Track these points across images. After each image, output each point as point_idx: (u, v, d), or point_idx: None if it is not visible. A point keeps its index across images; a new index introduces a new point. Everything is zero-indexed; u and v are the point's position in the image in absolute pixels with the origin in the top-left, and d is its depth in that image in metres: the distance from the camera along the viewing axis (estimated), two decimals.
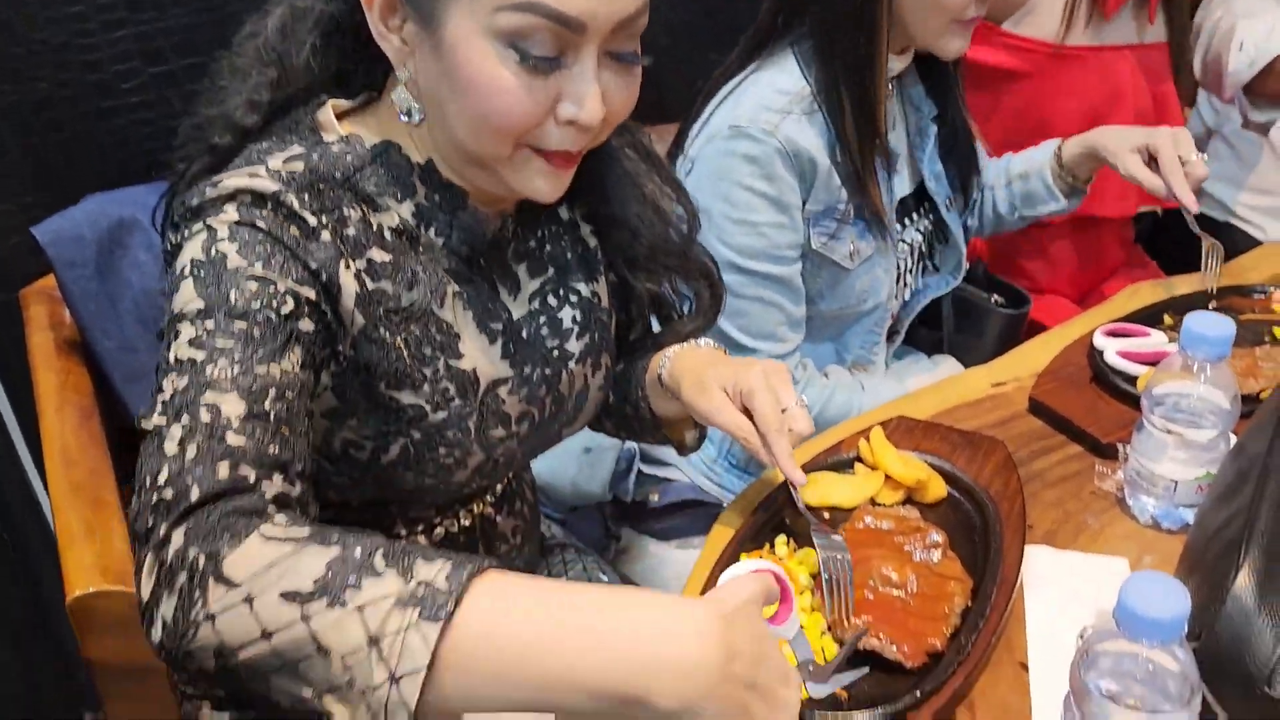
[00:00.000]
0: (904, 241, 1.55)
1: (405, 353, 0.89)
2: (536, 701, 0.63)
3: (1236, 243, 1.85)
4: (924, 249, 1.62)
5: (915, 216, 1.58)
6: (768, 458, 1.00)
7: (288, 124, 0.92)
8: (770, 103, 1.36)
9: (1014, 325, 1.66)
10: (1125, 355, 1.23)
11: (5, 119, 1.55)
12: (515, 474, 1.17)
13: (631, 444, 1.55)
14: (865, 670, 0.86)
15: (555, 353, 1.04)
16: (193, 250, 0.80)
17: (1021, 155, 1.67)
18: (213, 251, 0.79)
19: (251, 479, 0.72)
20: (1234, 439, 0.98)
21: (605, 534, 1.58)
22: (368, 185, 0.90)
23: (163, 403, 0.74)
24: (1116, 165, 1.47)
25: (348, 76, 0.96)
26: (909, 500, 1.06)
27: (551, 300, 1.04)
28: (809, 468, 1.09)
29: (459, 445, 0.94)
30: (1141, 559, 1.01)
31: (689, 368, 1.07)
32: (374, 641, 0.62)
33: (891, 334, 1.64)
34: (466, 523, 1.07)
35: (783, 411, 0.99)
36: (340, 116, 0.93)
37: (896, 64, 1.42)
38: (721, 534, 1.06)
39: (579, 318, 1.06)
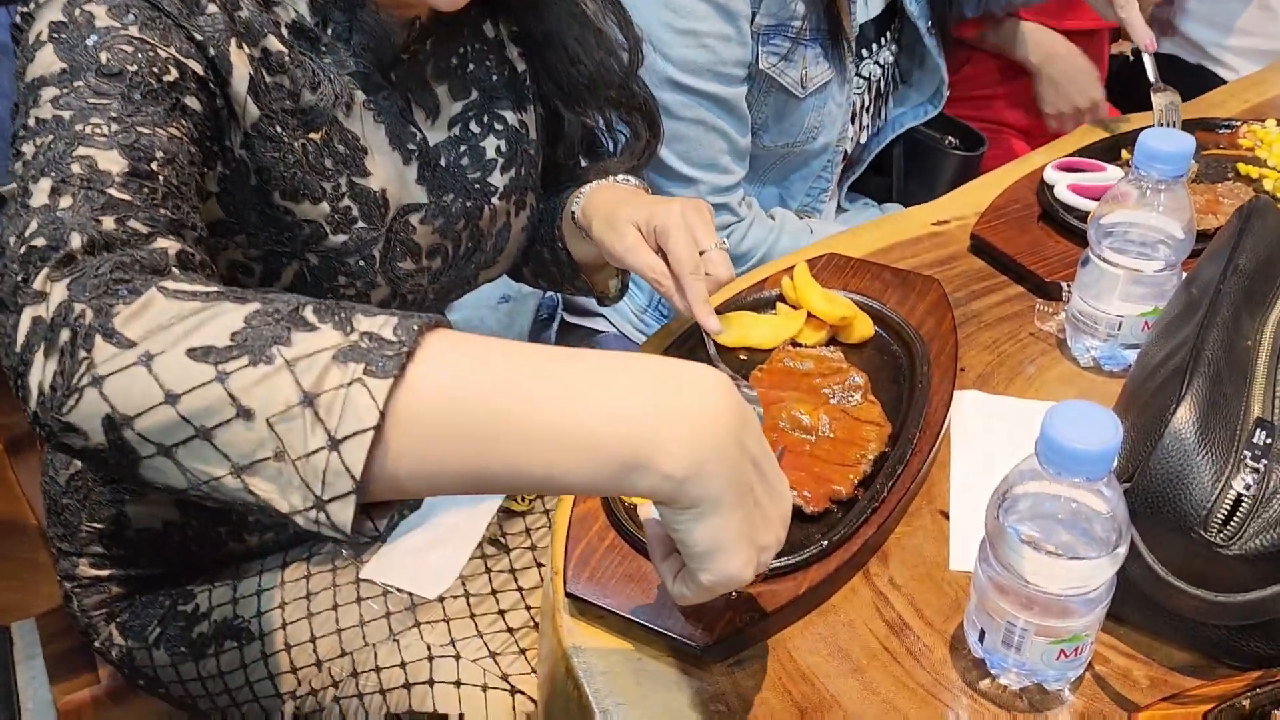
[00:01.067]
0: (861, 76, 1.43)
1: (305, 160, 0.79)
2: (510, 470, 0.51)
3: (1208, 89, 1.73)
4: (885, 84, 1.49)
5: (877, 46, 1.45)
6: (681, 303, 0.90)
7: None
8: None
9: (968, 169, 1.56)
10: (1077, 190, 1.13)
11: None
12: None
13: (553, 293, 1.45)
14: None
15: (477, 185, 0.94)
16: (50, 13, 0.68)
17: None
18: (76, 12, 0.68)
19: (144, 233, 0.59)
20: (1184, 274, 0.89)
21: None
22: None
23: (23, 163, 0.62)
24: None
25: None
26: (834, 341, 0.97)
27: (474, 127, 0.94)
28: (728, 306, 0.99)
29: (361, 275, 0.85)
30: None
31: (602, 204, 0.97)
32: (309, 400, 0.50)
33: (844, 177, 1.53)
34: None
35: (700, 254, 0.89)
36: None
37: None
38: None
39: (504, 149, 0.96)
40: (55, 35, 0.67)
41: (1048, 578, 0.62)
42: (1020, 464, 0.64)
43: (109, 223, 0.59)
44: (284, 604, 1.04)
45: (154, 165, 0.64)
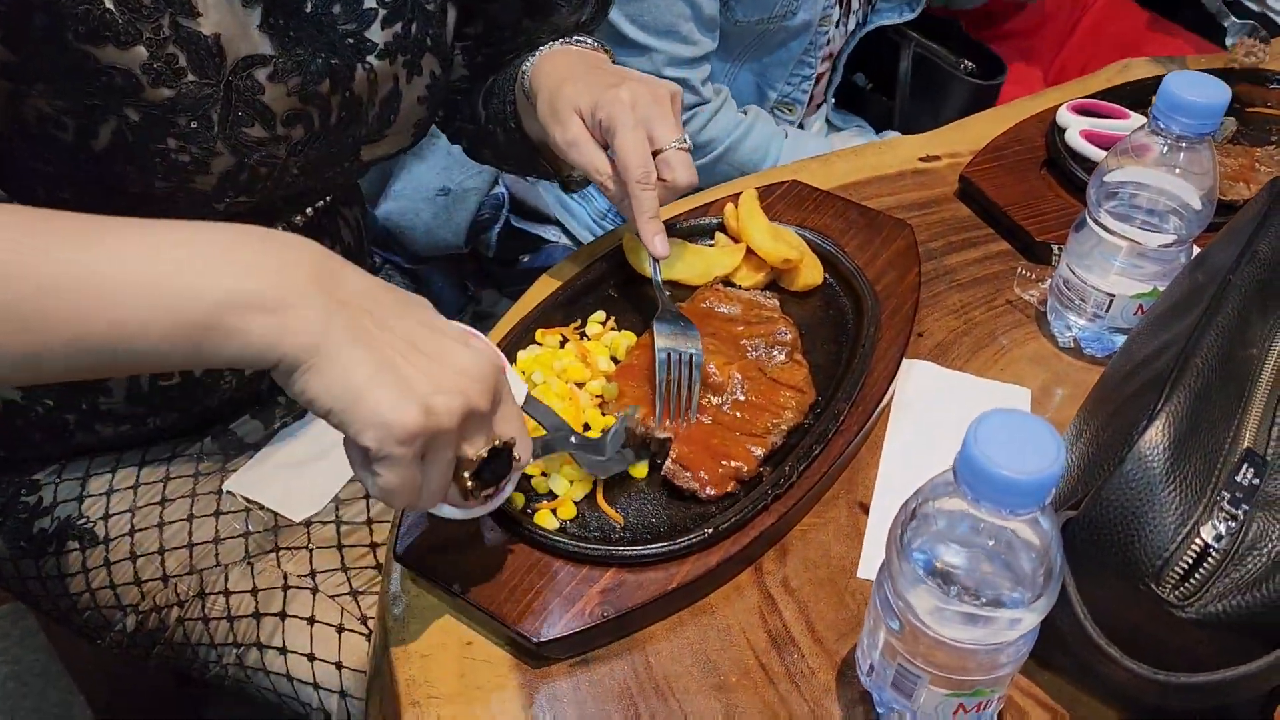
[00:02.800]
0: None
1: None
2: (68, 338, 0.48)
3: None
4: None
5: None
6: (626, 214, 0.76)
7: None
8: None
9: (983, 100, 1.39)
10: (1091, 138, 0.97)
11: None
12: (326, 208, 0.93)
13: (501, 190, 1.31)
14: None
15: (350, 40, 0.79)
16: None
17: None
18: None
19: None
20: (1196, 252, 0.75)
21: (462, 293, 1.36)
22: None
23: None
24: None
25: None
26: (775, 286, 0.83)
27: None
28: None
29: (195, 139, 0.71)
30: (1049, 391, 0.79)
31: (549, 76, 0.82)
32: None
33: (826, 78, 1.36)
34: None
35: (656, 154, 0.75)
36: None
37: None
38: (543, 288, 0.84)
39: None
40: None
41: (951, 624, 0.49)
42: (940, 475, 0.51)
43: None
44: (135, 508, 0.93)
45: None
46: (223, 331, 0.49)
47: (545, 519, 0.65)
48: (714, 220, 0.87)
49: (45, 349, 0.49)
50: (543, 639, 0.58)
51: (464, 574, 0.61)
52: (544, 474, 0.67)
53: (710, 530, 0.63)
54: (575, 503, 0.66)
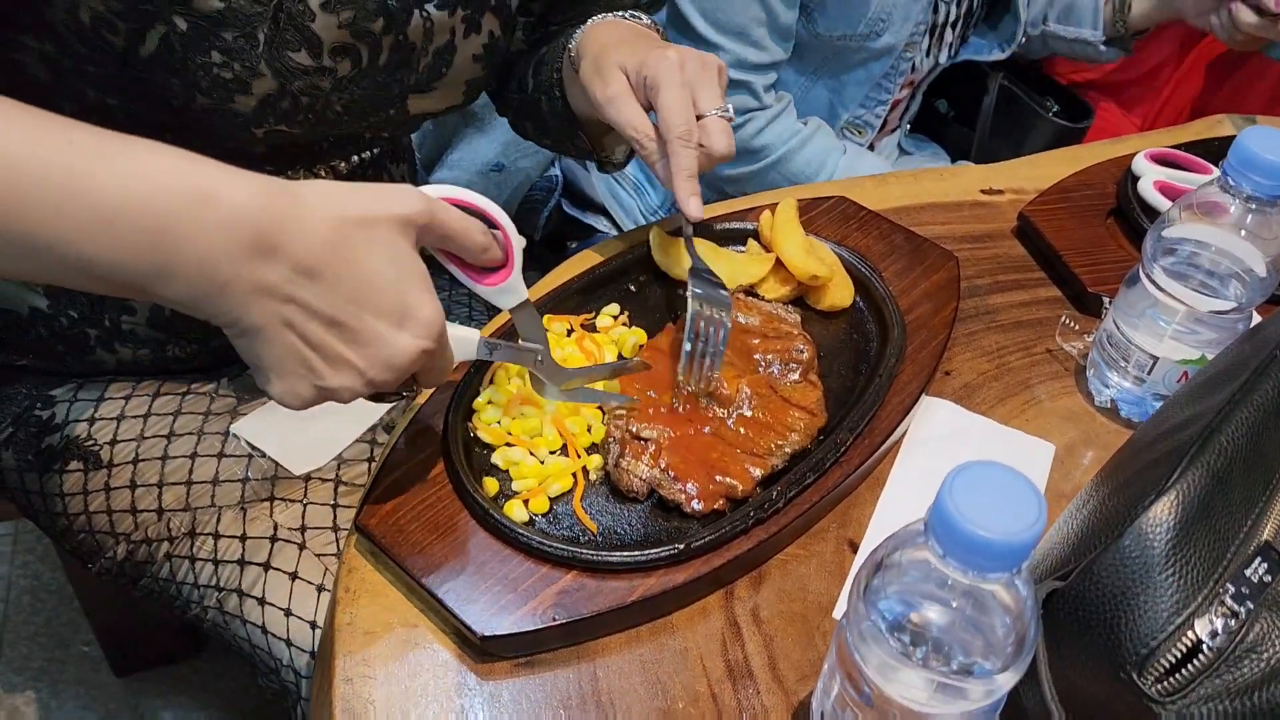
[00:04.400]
0: None
1: None
2: (19, 241, 0.47)
3: None
4: (976, 3, 1.26)
5: None
6: (663, 175, 0.74)
7: None
8: None
9: (1067, 142, 1.32)
10: (1164, 189, 0.91)
11: None
12: (374, 160, 0.92)
13: (555, 173, 1.29)
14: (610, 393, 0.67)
15: None
16: None
17: None
18: None
19: None
20: (1256, 320, 0.69)
21: None
22: None
23: None
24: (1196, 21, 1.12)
25: None
26: (801, 301, 0.80)
27: None
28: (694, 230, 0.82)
29: (239, 55, 0.71)
30: (1076, 451, 0.74)
31: (596, 42, 0.80)
32: None
33: (903, 104, 1.31)
34: None
35: (697, 119, 0.72)
36: None
37: None
38: (570, 269, 0.82)
39: None
40: None
41: (908, 684, 0.46)
42: (914, 523, 0.47)
43: None
44: (142, 437, 0.93)
45: None
46: (151, 296, 0.50)
47: (514, 510, 0.62)
48: (749, 226, 0.84)
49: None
50: (488, 634, 0.56)
51: (421, 554, 0.59)
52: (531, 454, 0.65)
53: (681, 546, 0.60)
54: (550, 499, 0.64)
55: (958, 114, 1.40)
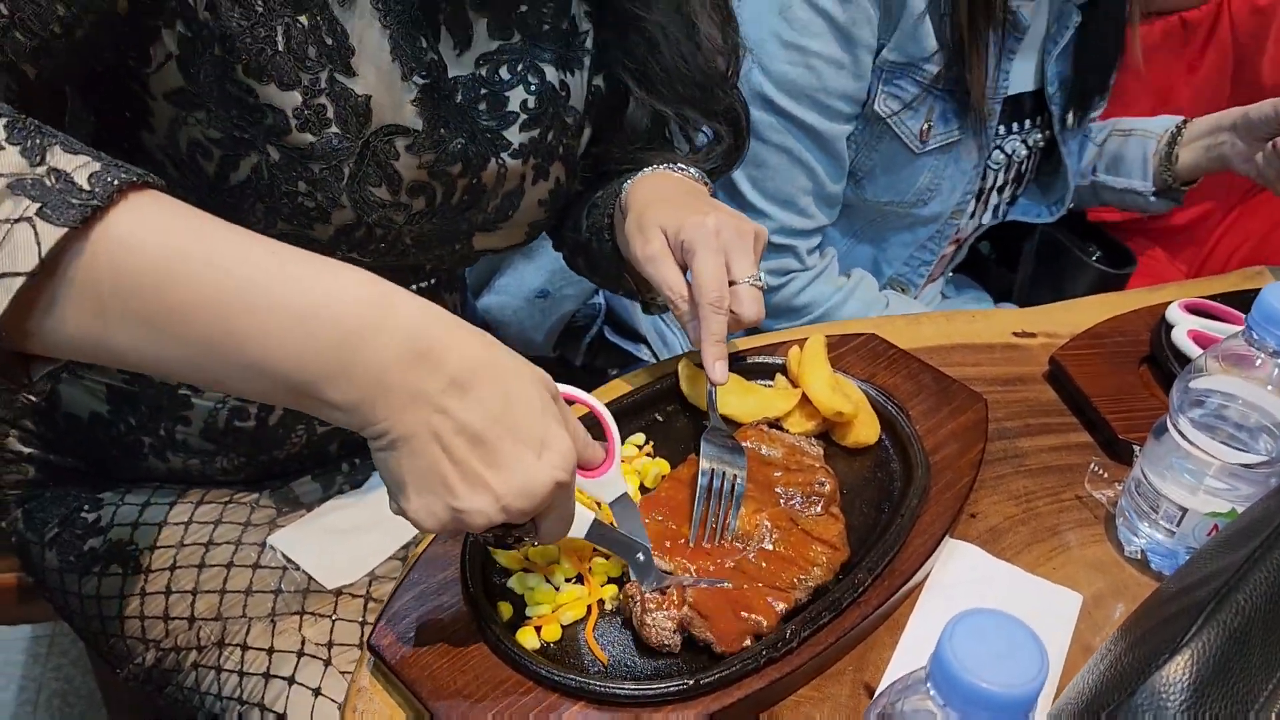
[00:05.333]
0: (1002, 150, 1.23)
1: (281, 40, 0.71)
2: (177, 363, 0.50)
3: None
4: (1026, 168, 1.29)
5: (1028, 124, 1.25)
6: (693, 335, 0.77)
7: None
8: None
9: (1109, 288, 1.33)
10: (1198, 339, 0.91)
11: None
12: (432, 289, 0.96)
13: (599, 301, 1.32)
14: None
15: (488, 134, 0.83)
16: None
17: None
18: None
19: None
20: None
21: None
22: None
23: None
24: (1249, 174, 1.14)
25: None
26: (826, 437, 0.80)
27: (504, 73, 0.83)
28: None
29: (324, 187, 0.76)
30: (1104, 603, 0.73)
31: (644, 195, 0.85)
32: None
33: (948, 259, 1.34)
34: None
35: (730, 284, 0.75)
36: None
37: None
38: (604, 394, 0.84)
39: (532, 105, 0.85)
40: None
41: None
42: (916, 671, 0.47)
43: None
44: (181, 544, 0.95)
45: None
46: (308, 396, 0.51)
47: (527, 637, 0.63)
48: (778, 360, 0.85)
49: (132, 352, 0.50)
50: None
51: (431, 677, 0.60)
52: (547, 580, 0.66)
53: (691, 682, 0.60)
54: (564, 626, 0.64)
55: (1000, 256, 1.42)
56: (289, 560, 0.94)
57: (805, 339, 0.86)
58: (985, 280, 1.44)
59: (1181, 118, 1.28)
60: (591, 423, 0.67)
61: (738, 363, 0.84)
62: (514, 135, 0.84)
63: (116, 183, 0.47)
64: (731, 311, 0.75)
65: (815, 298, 1.16)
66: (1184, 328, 0.93)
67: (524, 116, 0.85)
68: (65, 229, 0.45)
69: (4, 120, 0.48)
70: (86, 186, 0.47)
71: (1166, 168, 1.28)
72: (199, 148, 0.74)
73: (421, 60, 0.77)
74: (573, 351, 1.31)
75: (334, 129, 0.74)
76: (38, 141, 0.47)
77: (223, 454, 0.96)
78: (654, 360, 1.32)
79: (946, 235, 1.24)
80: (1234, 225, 1.56)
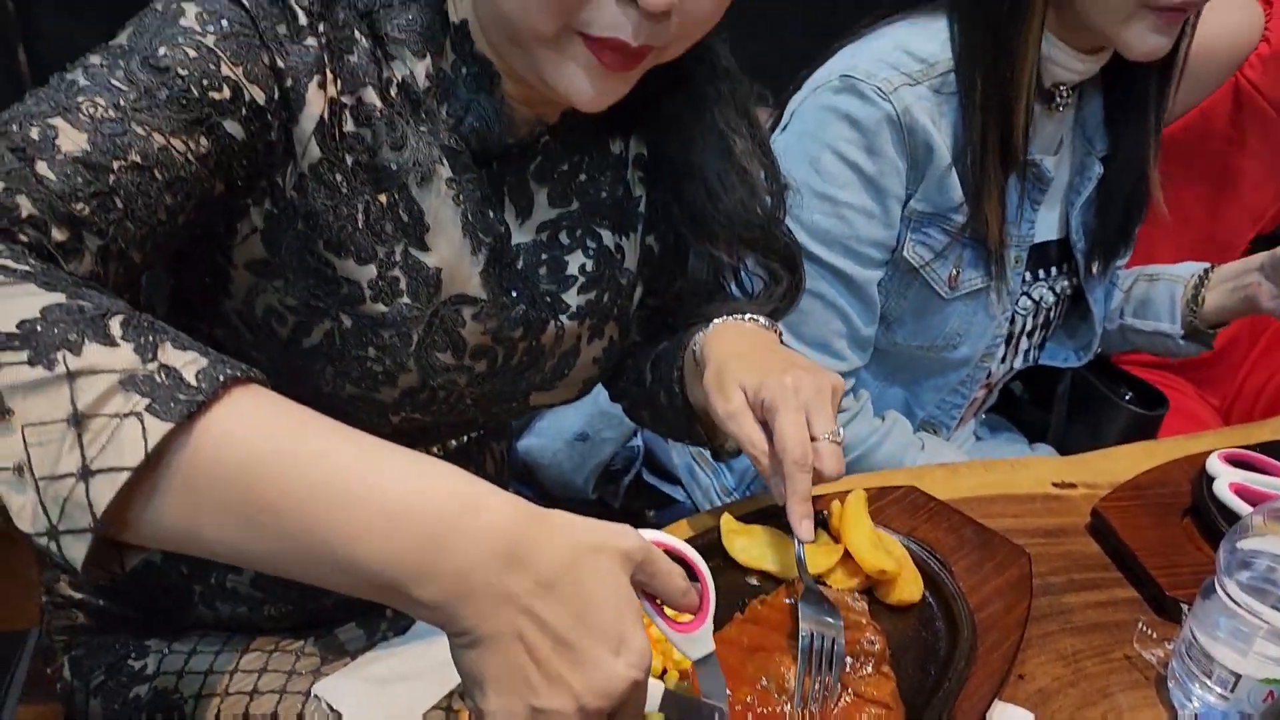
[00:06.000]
0: (1030, 296, 1.26)
1: (362, 218, 0.75)
2: (267, 557, 0.50)
3: None
4: (1053, 314, 1.31)
5: (1056, 272, 1.28)
6: (777, 490, 0.79)
7: None
8: (896, 62, 1.11)
9: (1143, 428, 1.34)
10: (1240, 492, 0.91)
11: None
12: (480, 439, 0.99)
13: (637, 443, 1.35)
14: None
15: (548, 298, 0.87)
16: (158, 2, 0.68)
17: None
18: (173, 6, 0.67)
19: (20, 213, 0.56)
20: None
21: None
22: (389, 27, 0.76)
23: (15, 105, 0.61)
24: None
25: None
26: (869, 592, 0.81)
27: (564, 238, 0.88)
28: (759, 516, 0.85)
29: (392, 353, 0.79)
30: None
31: (720, 350, 0.87)
32: (78, 420, 0.47)
33: (980, 401, 1.35)
34: None
35: (811, 440, 0.78)
36: None
37: (1076, 64, 1.13)
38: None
39: (589, 269, 0.89)
40: (141, 19, 0.67)
41: None
42: None
43: None
44: (226, 694, 0.96)
45: (116, 164, 0.61)
46: (395, 593, 0.51)
47: None
48: (821, 513, 0.86)
49: (229, 547, 0.50)
50: None
51: None
52: None
53: None
54: None
55: (1033, 396, 1.43)
56: (332, 709, 0.94)
57: (846, 492, 0.87)
58: (1019, 420, 1.45)
59: (1208, 264, 1.31)
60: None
61: (777, 516, 0.85)
62: (572, 298, 0.88)
63: (222, 378, 0.49)
64: (813, 468, 0.77)
65: (851, 440, 1.18)
66: (1225, 480, 0.93)
67: (582, 279, 0.88)
68: (171, 424, 0.47)
69: (120, 318, 0.50)
70: (193, 382, 0.48)
71: (1193, 311, 1.30)
72: (274, 314, 0.78)
73: (491, 232, 0.81)
74: (611, 494, 1.33)
75: (405, 299, 0.78)
76: (150, 339, 0.49)
77: (271, 602, 0.97)
78: (689, 502, 1.33)
79: (977, 379, 1.26)
80: (1261, 359, 1.56)
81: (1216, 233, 1.50)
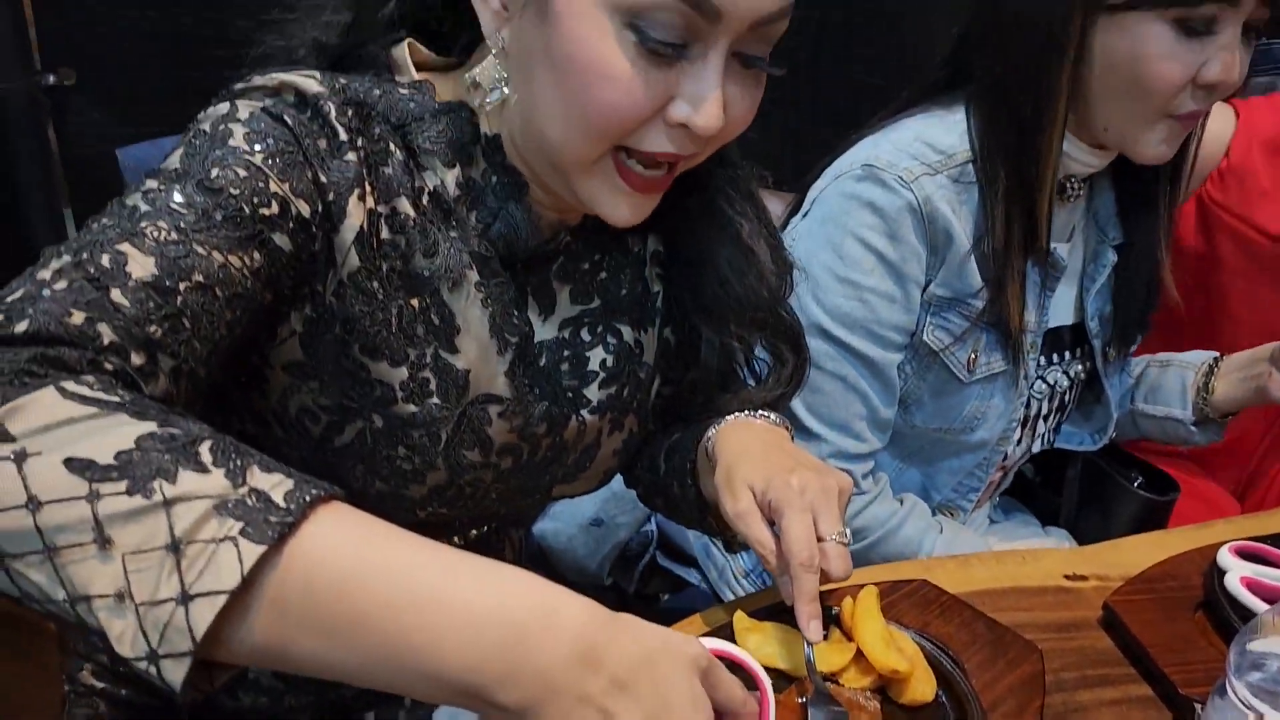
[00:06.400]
0: (1045, 380, 1.28)
1: (395, 322, 0.78)
2: (354, 669, 0.52)
3: None
4: (1069, 398, 1.33)
5: (1069, 356, 1.30)
6: (785, 592, 0.80)
7: (356, 59, 0.83)
8: (916, 152, 1.14)
9: (1154, 515, 1.34)
10: (1252, 586, 0.91)
11: (150, 42, 1.56)
12: (499, 527, 1.01)
13: (650, 528, 1.36)
14: None
15: (570, 394, 0.90)
16: (205, 123, 0.72)
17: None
18: (221, 127, 0.71)
19: (103, 341, 0.59)
20: None
21: None
22: (421, 140, 0.79)
23: (80, 233, 0.64)
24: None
25: (429, 32, 0.86)
26: (881, 690, 0.81)
27: (585, 334, 0.91)
28: (772, 614, 0.86)
29: (422, 452, 0.81)
30: None
31: (731, 448, 0.89)
32: (175, 547, 0.49)
33: (996, 484, 1.36)
34: None
35: (818, 541, 0.79)
36: (418, 65, 0.83)
37: (1089, 158, 1.16)
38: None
39: (610, 364, 0.92)
40: (193, 140, 0.70)
41: None
42: None
43: (77, 319, 0.59)
44: None
45: (183, 285, 0.64)
46: (477, 699, 0.53)
47: None
48: (833, 609, 0.87)
49: (320, 662, 0.52)
50: None
51: None
52: None
53: None
54: None
55: (1044, 479, 1.44)
56: None
57: (859, 586, 0.87)
58: (1031, 502, 1.46)
59: (1217, 353, 1.32)
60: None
61: (789, 613, 0.86)
62: (593, 393, 0.90)
63: (308, 498, 0.52)
64: (820, 569, 0.78)
65: (871, 522, 1.18)
66: (1237, 574, 0.93)
67: (603, 374, 0.91)
68: (264, 546, 0.49)
69: (209, 443, 0.53)
70: (282, 504, 0.51)
71: (1204, 399, 1.31)
72: (308, 413, 0.80)
73: (516, 333, 0.84)
74: (626, 579, 1.34)
75: (435, 400, 0.80)
76: (239, 463, 0.52)
77: (292, 693, 0.98)
78: (704, 584, 1.33)
79: (994, 462, 1.27)
80: (1274, 447, 1.57)
81: None
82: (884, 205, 1.12)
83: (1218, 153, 1.42)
